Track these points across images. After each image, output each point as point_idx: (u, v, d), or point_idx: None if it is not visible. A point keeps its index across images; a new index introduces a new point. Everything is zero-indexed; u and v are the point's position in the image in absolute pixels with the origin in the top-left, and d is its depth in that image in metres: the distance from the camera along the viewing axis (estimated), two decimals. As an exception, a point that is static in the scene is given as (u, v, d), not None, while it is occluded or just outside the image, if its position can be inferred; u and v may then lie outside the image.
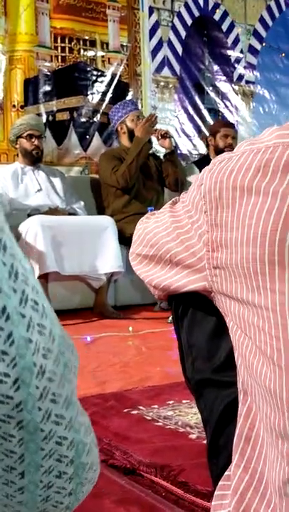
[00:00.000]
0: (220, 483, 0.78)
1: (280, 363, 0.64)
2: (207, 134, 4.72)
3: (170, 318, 3.18)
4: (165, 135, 3.91)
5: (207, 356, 0.87)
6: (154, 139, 4.03)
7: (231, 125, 4.41)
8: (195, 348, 0.89)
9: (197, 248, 0.75)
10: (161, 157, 4.07)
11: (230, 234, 0.69)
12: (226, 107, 5.14)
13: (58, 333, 0.44)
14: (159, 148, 4.15)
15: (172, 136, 4.03)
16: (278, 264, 0.65)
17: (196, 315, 0.88)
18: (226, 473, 0.77)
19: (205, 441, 1.27)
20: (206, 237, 0.72)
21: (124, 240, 3.57)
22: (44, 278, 3.31)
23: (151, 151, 4.14)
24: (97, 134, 4.50)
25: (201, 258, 0.74)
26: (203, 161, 4.31)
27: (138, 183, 3.87)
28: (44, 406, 0.42)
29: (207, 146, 4.39)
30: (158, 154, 4.17)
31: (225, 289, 0.72)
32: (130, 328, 2.96)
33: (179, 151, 4.78)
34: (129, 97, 4.58)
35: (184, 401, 1.67)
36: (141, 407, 1.64)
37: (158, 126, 4.01)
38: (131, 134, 3.90)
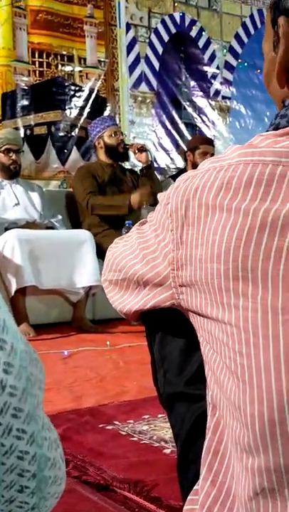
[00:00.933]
0: (188, 497, 0.79)
1: (244, 378, 0.65)
2: (185, 148, 4.76)
3: None
4: (141, 149, 3.94)
5: (179, 369, 0.88)
6: (132, 153, 4.05)
7: (210, 142, 4.39)
8: (167, 361, 0.89)
9: (162, 267, 0.76)
10: (138, 172, 4.09)
11: (195, 251, 0.70)
12: (203, 121, 5.20)
13: (20, 347, 0.45)
14: (136, 163, 4.17)
15: (149, 149, 4.05)
16: (242, 280, 0.66)
17: (168, 329, 0.89)
18: (194, 487, 0.78)
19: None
20: (171, 256, 0.73)
21: (102, 254, 3.55)
22: (21, 292, 3.29)
23: (128, 166, 4.16)
24: (75, 148, 4.51)
25: (166, 277, 0.75)
26: (180, 175, 4.34)
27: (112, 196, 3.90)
28: (4, 421, 0.43)
29: (185, 160, 4.41)
30: (135, 169, 4.19)
31: (192, 306, 0.72)
32: (108, 343, 2.95)
33: (157, 165, 4.81)
34: (106, 111, 4.61)
35: (159, 415, 1.67)
36: (116, 422, 1.64)
37: (135, 141, 4.05)
38: (108, 148, 3.93)
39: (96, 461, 1.33)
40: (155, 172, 4.22)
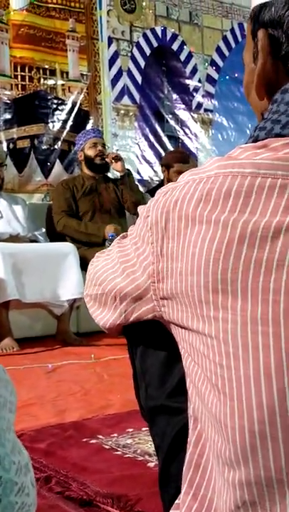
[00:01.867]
0: (170, 511, 0.78)
1: (225, 391, 0.65)
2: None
3: None
4: (116, 158, 3.95)
5: (160, 382, 0.87)
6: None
7: (185, 159, 4.29)
8: (148, 374, 0.89)
9: (142, 280, 0.75)
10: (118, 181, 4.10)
11: (175, 263, 0.70)
12: (186, 134, 5.23)
13: None
14: (116, 173, 4.18)
15: (122, 158, 4.04)
16: (221, 292, 0.66)
17: (149, 342, 0.89)
18: (176, 501, 0.77)
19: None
20: (151, 268, 0.73)
21: (86, 267, 3.55)
22: (4, 306, 3.27)
23: (111, 176, 4.17)
24: (58, 161, 4.52)
25: (146, 290, 0.75)
26: (157, 189, 4.33)
27: (91, 208, 3.90)
28: None
29: (163, 176, 4.40)
30: (114, 176, 4.20)
31: (173, 318, 0.72)
32: (92, 356, 2.94)
33: (140, 177, 4.83)
34: (89, 124, 4.62)
35: (143, 429, 1.66)
36: (100, 436, 1.63)
37: (120, 155, 4.06)
38: (87, 160, 3.95)
39: (79, 476, 1.32)
40: (136, 181, 4.23)
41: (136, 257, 0.77)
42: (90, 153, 3.94)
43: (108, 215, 3.95)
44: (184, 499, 0.73)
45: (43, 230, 3.86)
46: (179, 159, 4.26)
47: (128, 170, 4.11)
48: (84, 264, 3.54)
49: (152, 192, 4.36)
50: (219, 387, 0.65)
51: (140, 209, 0.78)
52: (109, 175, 4.15)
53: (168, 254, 0.70)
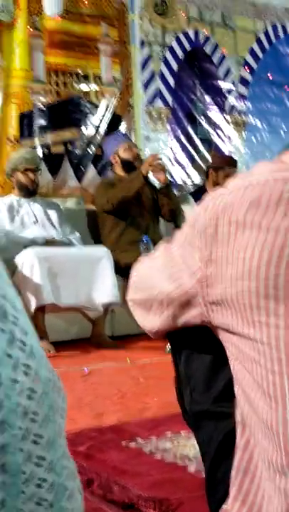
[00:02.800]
0: (217, 517, 0.77)
1: (276, 397, 0.64)
2: (201, 163, 4.77)
3: (168, 348, 3.16)
4: (160, 167, 3.93)
5: (205, 387, 0.86)
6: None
7: (235, 163, 4.28)
8: (193, 378, 0.88)
9: (189, 285, 0.75)
10: (158, 188, 4.09)
11: (225, 269, 0.69)
12: (219, 136, 5.21)
13: (43, 374, 0.44)
14: (154, 180, 4.17)
15: (168, 170, 4.06)
16: (273, 298, 0.65)
17: (194, 346, 0.88)
18: (223, 506, 0.77)
19: (204, 474, 1.26)
20: (199, 274, 0.73)
21: (120, 270, 3.57)
22: (41, 310, 3.30)
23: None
24: (91, 165, 4.55)
25: (194, 295, 0.75)
26: (200, 193, 4.32)
27: (133, 210, 3.90)
28: (26, 447, 0.42)
29: (206, 176, 4.32)
30: (154, 184, 4.18)
31: (222, 324, 0.72)
32: (128, 359, 2.94)
33: (172, 181, 4.82)
34: (122, 128, 4.64)
35: (182, 432, 1.66)
36: (139, 440, 1.63)
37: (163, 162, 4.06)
38: (124, 163, 3.94)
39: (120, 480, 1.32)
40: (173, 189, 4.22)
41: (183, 262, 0.76)
42: (127, 155, 3.93)
43: (144, 218, 3.95)
44: (233, 504, 0.72)
45: (77, 234, 3.88)
46: (229, 163, 4.22)
47: (170, 181, 4.11)
48: (117, 268, 3.55)
49: (194, 195, 4.34)
50: (270, 393, 0.64)
51: (188, 214, 0.77)
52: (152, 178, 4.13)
53: (217, 259, 0.70)
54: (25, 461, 0.42)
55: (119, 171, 4.01)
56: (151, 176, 4.01)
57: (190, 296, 0.75)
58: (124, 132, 4.36)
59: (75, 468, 0.48)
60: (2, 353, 0.41)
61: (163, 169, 3.94)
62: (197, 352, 0.87)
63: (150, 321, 0.85)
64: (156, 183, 4.03)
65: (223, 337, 0.73)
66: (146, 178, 3.82)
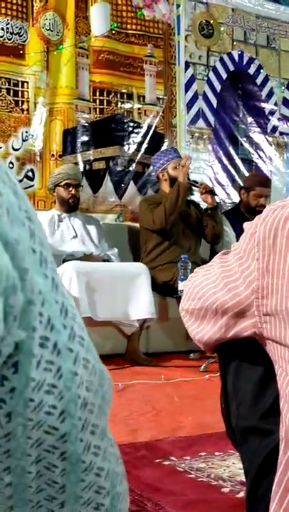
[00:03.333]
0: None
1: None
2: (241, 183, 4.76)
3: (203, 367, 3.15)
4: (210, 192, 3.94)
5: (253, 402, 0.86)
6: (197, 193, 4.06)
7: (267, 184, 4.35)
8: (241, 393, 0.88)
9: (244, 296, 0.75)
10: (203, 209, 4.09)
11: (281, 280, 0.70)
12: (260, 157, 5.20)
13: (98, 367, 0.47)
14: (200, 201, 4.17)
15: (216, 194, 4.04)
16: None
17: (243, 360, 0.88)
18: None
19: (238, 495, 1.25)
20: (255, 284, 0.73)
21: (157, 287, 3.59)
22: (77, 323, 3.33)
23: (193, 198, 4.16)
24: (132, 182, 4.59)
25: (249, 305, 0.75)
26: (233, 212, 4.32)
27: (177, 229, 3.90)
28: (85, 437, 0.44)
29: (241, 198, 4.39)
30: (200, 204, 4.18)
31: (274, 335, 0.72)
32: (162, 376, 2.94)
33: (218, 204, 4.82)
34: (164, 147, 4.67)
35: (216, 453, 1.65)
36: (173, 458, 1.62)
37: (193, 177, 4.07)
38: (172, 181, 3.92)
39: (154, 497, 1.32)
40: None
41: (239, 272, 0.77)
42: (177, 173, 3.90)
43: (188, 238, 3.95)
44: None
45: (116, 250, 3.92)
46: (260, 183, 4.28)
47: (217, 203, 4.11)
48: (154, 285, 3.57)
49: (227, 215, 4.34)
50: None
51: (246, 225, 0.78)
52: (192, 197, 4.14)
53: (274, 270, 0.70)
54: (85, 450, 0.44)
55: (165, 187, 4.01)
56: (197, 198, 4.02)
57: (245, 306, 0.76)
58: (175, 148, 4.31)
59: (120, 454, 0.50)
60: (64, 347, 0.42)
61: (213, 193, 3.96)
62: (246, 366, 0.87)
63: (202, 330, 0.85)
64: (205, 204, 4.03)
65: (273, 350, 0.73)
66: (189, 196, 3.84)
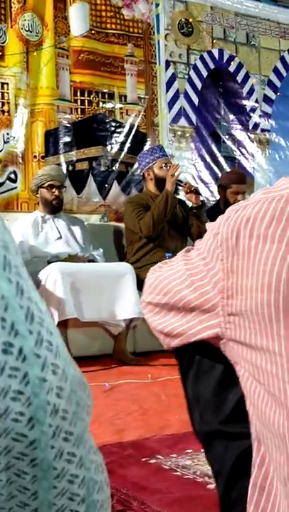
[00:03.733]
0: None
1: None
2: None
3: (149, 376, 3.14)
4: (194, 191, 3.92)
5: (214, 408, 0.86)
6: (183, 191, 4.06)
7: (243, 180, 4.35)
8: (202, 399, 0.88)
9: (211, 295, 0.76)
10: (188, 208, 4.09)
11: (245, 280, 0.70)
12: (242, 154, 5.22)
13: (70, 372, 0.46)
14: (186, 200, 4.17)
15: (201, 194, 4.03)
16: None
17: (201, 365, 0.88)
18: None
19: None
20: (221, 285, 0.74)
21: (142, 287, 3.58)
22: (63, 324, 3.33)
23: (178, 197, 4.15)
24: (115, 182, 4.59)
25: (215, 305, 0.75)
26: (213, 211, 4.33)
27: (163, 231, 3.89)
28: (57, 444, 0.43)
29: (220, 196, 4.39)
30: (186, 203, 4.17)
31: (238, 336, 0.72)
32: (149, 375, 2.94)
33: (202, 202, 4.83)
34: (147, 146, 4.67)
35: (202, 450, 1.65)
36: (159, 456, 1.63)
37: (181, 177, 4.07)
38: (158, 180, 3.93)
39: (140, 496, 1.32)
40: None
41: (205, 271, 0.77)
42: (162, 173, 3.88)
43: (174, 238, 3.94)
44: (251, 522, 0.72)
45: (101, 250, 3.91)
46: (236, 180, 4.28)
47: (202, 201, 4.10)
48: (140, 285, 3.56)
49: (208, 213, 4.34)
50: (288, 406, 0.65)
51: (209, 226, 0.78)
52: (183, 198, 4.13)
53: (238, 271, 0.71)
54: (57, 457, 0.43)
55: (151, 187, 3.99)
56: (182, 196, 4.02)
57: (211, 305, 0.76)
58: (161, 147, 4.24)
59: (102, 461, 0.50)
60: (31, 353, 0.42)
61: (197, 193, 3.95)
62: (204, 372, 0.87)
63: (166, 321, 0.84)
64: (189, 203, 4.03)
65: (236, 352, 0.73)
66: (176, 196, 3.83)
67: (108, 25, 4.65)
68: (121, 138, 4.64)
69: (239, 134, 5.21)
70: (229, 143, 5.17)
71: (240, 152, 5.22)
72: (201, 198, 4.24)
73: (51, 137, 4.40)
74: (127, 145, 4.62)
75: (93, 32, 4.57)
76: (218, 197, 4.90)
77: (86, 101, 4.56)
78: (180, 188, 3.98)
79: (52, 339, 0.45)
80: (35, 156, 4.33)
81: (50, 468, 0.43)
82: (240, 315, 0.71)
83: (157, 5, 4.80)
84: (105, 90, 4.63)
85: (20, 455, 0.42)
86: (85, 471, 0.46)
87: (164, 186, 3.89)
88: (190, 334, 0.81)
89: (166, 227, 3.89)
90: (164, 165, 3.91)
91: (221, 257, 0.73)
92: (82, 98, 4.55)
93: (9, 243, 0.44)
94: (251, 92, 5.27)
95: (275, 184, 0.74)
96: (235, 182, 4.23)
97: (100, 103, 4.61)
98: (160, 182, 3.89)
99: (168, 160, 4.01)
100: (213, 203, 4.87)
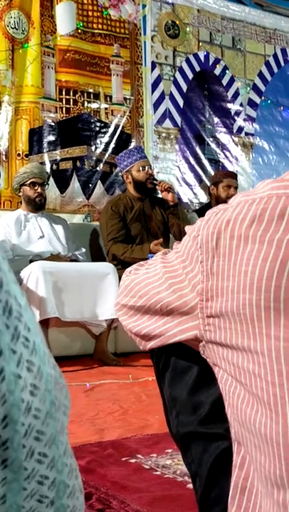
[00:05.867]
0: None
1: (277, 409, 0.65)
2: (208, 183, 4.80)
3: (130, 376, 3.14)
4: (168, 189, 3.92)
5: (191, 409, 0.86)
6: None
7: (234, 175, 4.42)
8: (178, 401, 0.88)
9: (190, 297, 0.76)
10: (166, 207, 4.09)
11: (226, 282, 0.70)
12: (226, 157, 5.25)
13: (46, 370, 0.44)
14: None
15: (174, 191, 4.02)
16: (274, 310, 0.66)
17: (177, 367, 0.88)
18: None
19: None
20: (200, 287, 0.73)
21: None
22: (44, 324, 3.31)
23: (157, 197, 4.14)
24: (99, 182, 4.59)
25: (193, 307, 0.75)
26: (204, 210, 4.35)
27: (140, 235, 3.89)
28: (28, 443, 0.41)
29: (210, 194, 4.44)
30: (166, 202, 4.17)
31: (218, 338, 0.72)
32: (130, 376, 2.94)
33: (180, 200, 4.85)
34: (131, 147, 4.67)
35: (182, 450, 1.65)
36: (139, 456, 1.62)
37: (161, 177, 4.07)
38: (136, 183, 3.92)
39: (120, 495, 1.31)
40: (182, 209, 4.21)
41: (184, 274, 0.77)
42: (140, 177, 3.89)
43: (155, 238, 3.94)
44: (233, 522, 0.72)
45: (83, 249, 3.90)
46: (227, 175, 4.37)
47: (178, 199, 4.10)
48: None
49: (199, 213, 4.37)
50: (272, 405, 0.65)
51: (188, 228, 0.78)
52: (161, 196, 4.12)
53: (218, 272, 0.71)
54: (28, 457, 0.42)
55: (131, 189, 3.98)
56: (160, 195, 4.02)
57: (189, 308, 0.76)
58: (140, 147, 4.23)
59: (77, 467, 0.48)
60: (6, 348, 0.41)
61: (172, 191, 3.95)
62: (180, 374, 0.87)
63: (141, 323, 0.84)
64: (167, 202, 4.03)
65: (215, 354, 0.73)
66: (155, 196, 3.82)
67: (95, 25, 4.64)
68: (106, 138, 4.63)
69: (223, 137, 5.24)
70: (213, 145, 5.20)
71: (224, 155, 5.25)
72: (185, 200, 4.25)
73: (35, 136, 4.38)
74: (112, 145, 4.62)
75: (79, 31, 4.56)
76: (202, 199, 4.93)
77: (71, 100, 4.55)
78: (156, 187, 3.97)
79: (29, 335, 0.43)
80: (18, 154, 4.31)
81: (21, 469, 0.41)
82: (220, 316, 0.71)
83: (144, 6, 4.81)
84: (91, 90, 4.63)
85: None
86: (56, 473, 0.44)
87: (143, 189, 3.89)
88: (168, 336, 0.81)
89: (143, 233, 3.90)
90: (141, 168, 3.89)
91: (200, 259, 0.73)
92: (68, 97, 4.54)
93: None
94: (236, 95, 5.30)
95: (254, 187, 0.74)
96: (227, 176, 4.31)
97: (85, 103, 4.60)
98: (139, 185, 3.89)
99: (146, 162, 3.97)
100: (198, 205, 4.89)
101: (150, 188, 3.93)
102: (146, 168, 3.92)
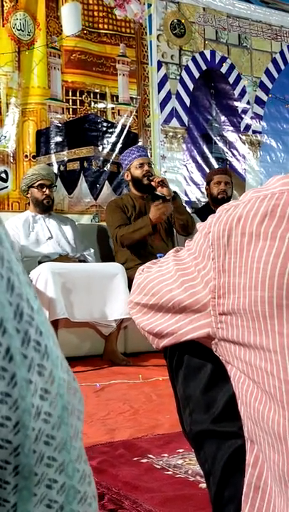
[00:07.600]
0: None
1: None
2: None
3: (140, 377, 3.14)
4: (161, 183, 3.82)
5: (204, 407, 0.85)
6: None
7: (224, 171, 4.47)
8: (192, 399, 0.87)
9: (202, 295, 0.75)
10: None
11: (238, 279, 0.70)
12: (234, 155, 5.23)
13: (58, 374, 0.43)
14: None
15: (167, 183, 3.96)
16: (286, 308, 0.66)
17: (190, 365, 0.88)
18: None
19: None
20: (212, 284, 0.73)
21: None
22: (54, 324, 3.31)
23: (159, 193, 4.12)
24: (107, 182, 4.58)
25: (206, 305, 0.75)
26: (203, 210, 4.35)
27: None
28: (38, 448, 0.41)
29: (207, 195, 4.45)
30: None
31: (230, 335, 0.72)
32: (140, 376, 2.93)
33: (187, 199, 4.84)
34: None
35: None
36: (150, 456, 1.62)
37: (168, 177, 4.04)
38: (135, 181, 3.92)
39: (132, 495, 1.31)
40: (183, 202, 4.19)
41: (196, 272, 0.76)
42: (137, 173, 3.89)
43: (158, 235, 3.94)
44: (246, 520, 0.71)
45: (92, 250, 3.90)
46: (217, 171, 4.44)
47: (175, 192, 4.09)
48: (131, 285, 3.54)
49: (198, 213, 4.35)
50: (284, 403, 0.64)
51: (200, 225, 0.78)
52: (158, 192, 4.11)
53: (230, 269, 0.70)
54: (38, 462, 0.41)
55: (132, 188, 3.99)
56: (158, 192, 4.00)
57: (201, 305, 0.75)
58: (140, 146, 4.23)
59: (91, 473, 0.47)
60: (17, 353, 0.40)
61: (165, 185, 3.87)
62: (194, 372, 0.86)
63: (154, 321, 0.84)
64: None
65: (227, 352, 0.73)
66: (154, 193, 3.80)
67: (100, 25, 4.64)
68: (112, 138, 4.63)
69: (231, 135, 5.22)
70: (221, 144, 5.18)
71: (232, 153, 5.23)
72: (193, 199, 4.23)
73: (42, 137, 4.39)
74: (119, 145, 4.62)
75: (85, 32, 4.56)
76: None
77: (78, 101, 4.55)
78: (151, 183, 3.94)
79: (40, 339, 0.42)
80: (26, 156, 4.31)
81: (32, 475, 0.41)
82: (232, 314, 0.70)
83: (149, 5, 4.81)
84: (97, 90, 4.63)
85: (3, 463, 0.39)
86: (65, 477, 0.43)
87: (141, 187, 3.88)
88: (180, 334, 0.80)
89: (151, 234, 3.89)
90: (139, 165, 3.88)
91: (212, 256, 0.73)
92: (74, 98, 4.54)
93: (3, 237, 0.42)
94: (243, 93, 5.28)
95: (265, 183, 0.74)
96: (217, 173, 4.36)
97: (92, 103, 4.60)
98: (137, 182, 3.89)
99: (144, 159, 3.94)
100: (204, 203, 4.88)
101: (146, 185, 3.87)
102: (144, 165, 3.90)
